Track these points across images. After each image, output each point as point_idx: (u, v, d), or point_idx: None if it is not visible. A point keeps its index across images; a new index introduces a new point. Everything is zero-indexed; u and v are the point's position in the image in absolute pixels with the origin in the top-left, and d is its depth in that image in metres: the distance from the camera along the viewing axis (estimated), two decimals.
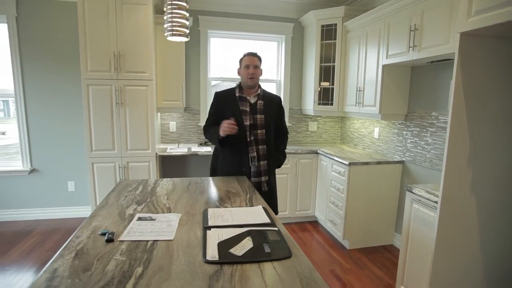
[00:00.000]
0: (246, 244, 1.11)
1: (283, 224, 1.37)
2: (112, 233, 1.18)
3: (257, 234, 1.20)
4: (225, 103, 2.12)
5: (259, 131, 2.08)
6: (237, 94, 2.11)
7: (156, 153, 3.17)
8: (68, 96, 3.47)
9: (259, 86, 2.16)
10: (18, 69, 3.33)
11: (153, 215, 1.39)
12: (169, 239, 1.16)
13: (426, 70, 2.72)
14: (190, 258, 1.03)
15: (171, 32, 1.92)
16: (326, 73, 3.58)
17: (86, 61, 2.90)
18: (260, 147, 2.09)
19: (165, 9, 1.92)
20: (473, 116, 1.69)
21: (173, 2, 1.87)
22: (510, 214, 1.84)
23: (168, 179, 2.03)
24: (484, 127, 1.72)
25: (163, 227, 1.27)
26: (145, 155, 3.14)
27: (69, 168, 3.59)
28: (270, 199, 2.13)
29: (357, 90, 3.19)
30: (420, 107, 2.79)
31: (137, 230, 1.23)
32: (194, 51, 3.72)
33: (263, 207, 1.51)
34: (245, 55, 2.12)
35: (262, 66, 2.16)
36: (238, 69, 2.16)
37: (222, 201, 1.62)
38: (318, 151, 3.50)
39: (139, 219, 1.34)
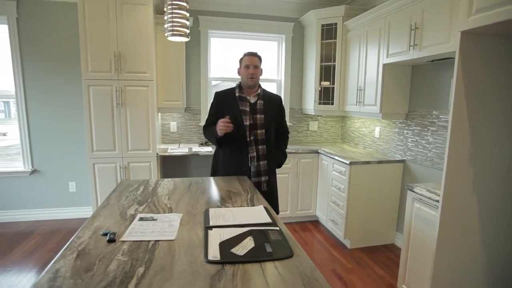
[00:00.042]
0: (248, 244, 1.11)
1: (284, 223, 1.37)
2: (114, 234, 1.18)
3: (259, 233, 1.20)
4: (225, 103, 2.12)
5: (259, 131, 2.08)
6: (237, 94, 2.11)
7: (157, 154, 3.18)
8: (69, 96, 3.47)
9: (259, 86, 2.16)
10: (18, 70, 3.33)
11: (155, 215, 1.39)
12: (170, 239, 1.16)
13: (426, 69, 2.71)
14: (191, 258, 1.03)
15: (171, 32, 1.92)
16: (327, 72, 3.58)
17: (86, 61, 2.91)
18: (260, 147, 2.09)
19: (165, 9, 1.92)
20: (474, 114, 1.69)
21: (173, 2, 1.87)
22: (511, 212, 1.84)
23: (169, 179, 2.03)
24: (485, 126, 1.72)
25: (164, 227, 1.27)
26: (146, 155, 3.14)
27: (70, 168, 3.60)
28: (270, 199, 2.12)
29: (357, 89, 3.19)
30: (421, 106, 2.79)
31: (138, 230, 1.23)
32: (195, 51, 3.72)
33: (265, 207, 1.51)
34: (245, 55, 2.12)
35: (262, 66, 2.16)
36: (238, 69, 2.16)
37: (223, 201, 1.62)
38: (319, 151, 3.50)
39: (141, 219, 1.35)
